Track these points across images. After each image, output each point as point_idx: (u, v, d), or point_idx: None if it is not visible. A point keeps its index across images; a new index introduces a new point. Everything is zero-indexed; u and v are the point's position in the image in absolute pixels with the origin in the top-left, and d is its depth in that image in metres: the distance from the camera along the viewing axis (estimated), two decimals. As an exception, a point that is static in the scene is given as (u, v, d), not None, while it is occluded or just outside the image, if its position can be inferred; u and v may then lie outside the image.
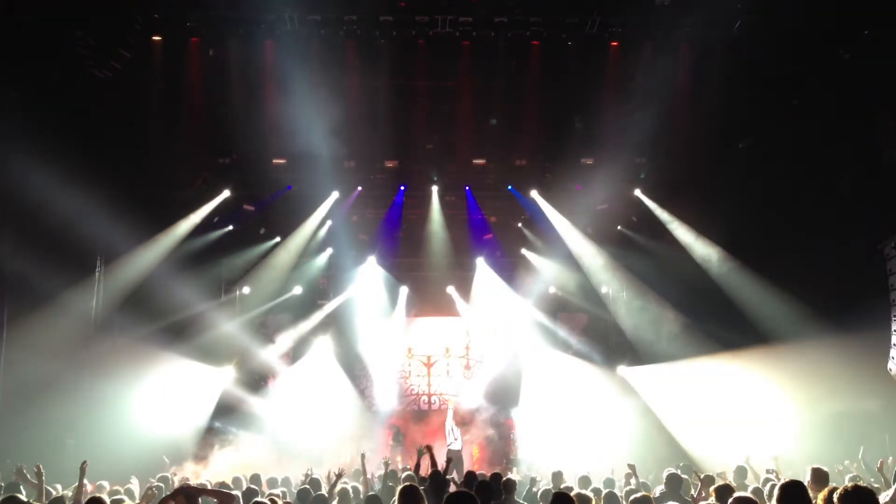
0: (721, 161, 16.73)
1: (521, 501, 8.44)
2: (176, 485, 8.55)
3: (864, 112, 14.52)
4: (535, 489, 9.48)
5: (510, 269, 20.94)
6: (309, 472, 9.84)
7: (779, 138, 15.74)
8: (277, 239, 19.46)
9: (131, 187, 15.07)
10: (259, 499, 6.24)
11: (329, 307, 20.65)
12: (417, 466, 9.43)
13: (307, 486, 8.41)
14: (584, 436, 18.36)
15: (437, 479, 8.34)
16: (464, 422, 18.51)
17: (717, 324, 16.97)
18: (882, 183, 14.42)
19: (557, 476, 10.29)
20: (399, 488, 5.02)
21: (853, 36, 14.17)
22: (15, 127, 12.67)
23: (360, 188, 19.19)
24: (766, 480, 7.87)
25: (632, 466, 9.55)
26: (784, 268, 15.76)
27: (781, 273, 15.78)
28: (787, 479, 5.02)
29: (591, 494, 7.12)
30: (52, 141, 13.09)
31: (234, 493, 7.06)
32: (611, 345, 20.56)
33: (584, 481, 9.33)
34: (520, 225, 20.59)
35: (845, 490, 4.11)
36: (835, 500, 4.11)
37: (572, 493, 6.35)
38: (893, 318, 14.67)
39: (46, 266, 13.53)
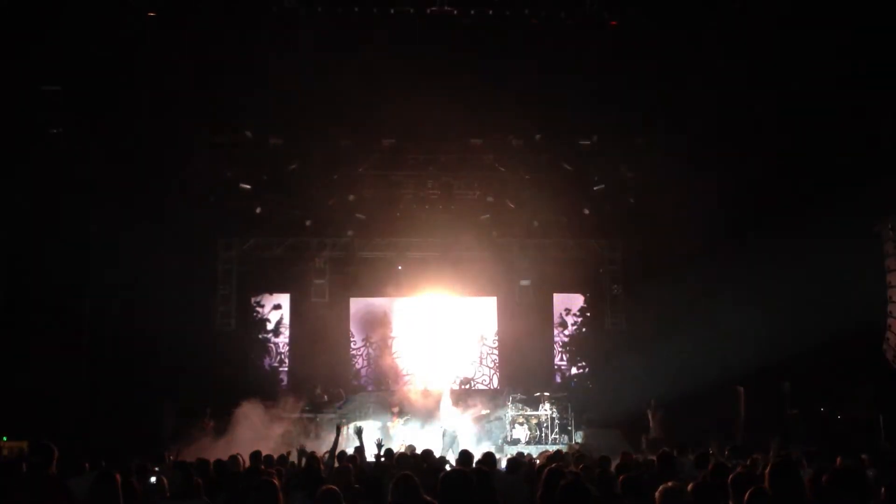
0: (719, 142, 16.71)
1: (521, 481, 8.47)
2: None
3: (861, 93, 14.49)
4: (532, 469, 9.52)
5: (507, 248, 20.92)
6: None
7: (776, 118, 15.71)
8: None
9: (127, 167, 15.08)
10: (265, 478, 6.25)
11: (324, 285, 20.67)
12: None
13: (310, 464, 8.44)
14: (580, 416, 18.56)
15: (431, 460, 8.40)
16: (460, 401, 18.57)
17: (714, 305, 17.04)
18: (879, 164, 14.44)
19: (555, 455, 10.35)
20: (392, 481, 4.97)
21: (852, 15, 14.08)
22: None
23: (357, 167, 19.11)
24: (755, 461, 7.92)
25: (626, 454, 9.61)
26: (781, 248, 15.83)
27: (778, 253, 15.85)
28: (778, 458, 5.04)
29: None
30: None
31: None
32: (606, 325, 20.70)
33: (580, 459, 9.39)
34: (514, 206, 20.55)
35: (834, 470, 4.12)
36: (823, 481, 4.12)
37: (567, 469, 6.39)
38: (890, 301, 14.75)
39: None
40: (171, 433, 16.53)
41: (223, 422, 16.59)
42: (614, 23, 15.86)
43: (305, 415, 17.87)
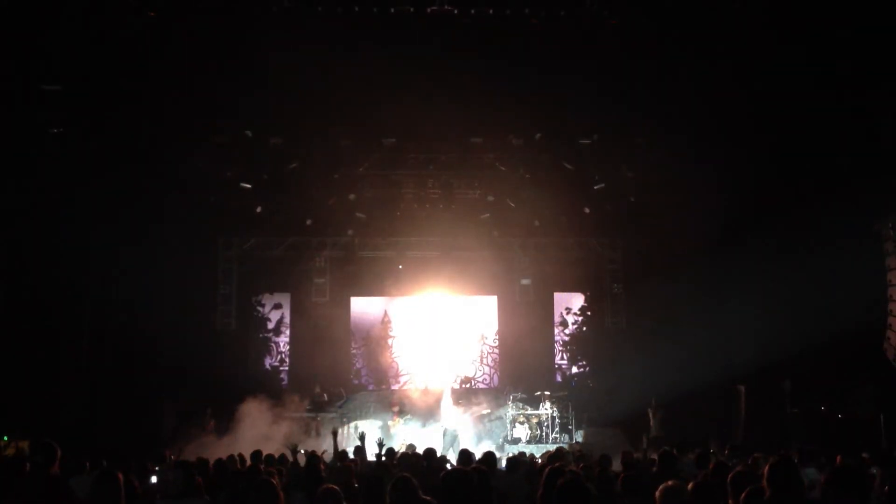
0: (719, 142, 16.71)
1: (521, 480, 8.48)
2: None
3: (862, 91, 14.48)
4: (534, 469, 9.53)
5: (508, 247, 20.94)
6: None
7: (777, 118, 15.71)
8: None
9: (127, 166, 15.09)
10: (264, 477, 6.26)
11: (324, 284, 20.70)
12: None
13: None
14: (581, 415, 18.58)
15: (433, 458, 8.39)
16: (460, 400, 18.60)
17: (714, 304, 17.04)
18: (880, 163, 14.44)
19: (556, 454, 10.36)
20: (391, 482, 4.97)
21: (853, 15, 14.07)
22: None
23: (358, 166, 19.12)
24: (757, 460, 7.93)
25: (626, 453, 9.62)
26: (781, 247, 15.84)
27: (778, 252, 15.87)
28: (777, 457, 5.05)
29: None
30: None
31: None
32: (607, 324, 20.73)
33: (580, 458, 9.40)
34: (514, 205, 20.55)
35: (834, 469, 4.14)
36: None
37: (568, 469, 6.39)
38: (890, 300, 14.75)
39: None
40: (172, 433, 16.57)
41: (224, 421, 16.62)
42: (614, 22, 15.87)
43: (306, 414, 17.89)
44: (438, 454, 10.67)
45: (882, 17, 13.24)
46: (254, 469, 7.98)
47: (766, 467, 4.53)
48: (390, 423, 17.81)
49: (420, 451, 10.78)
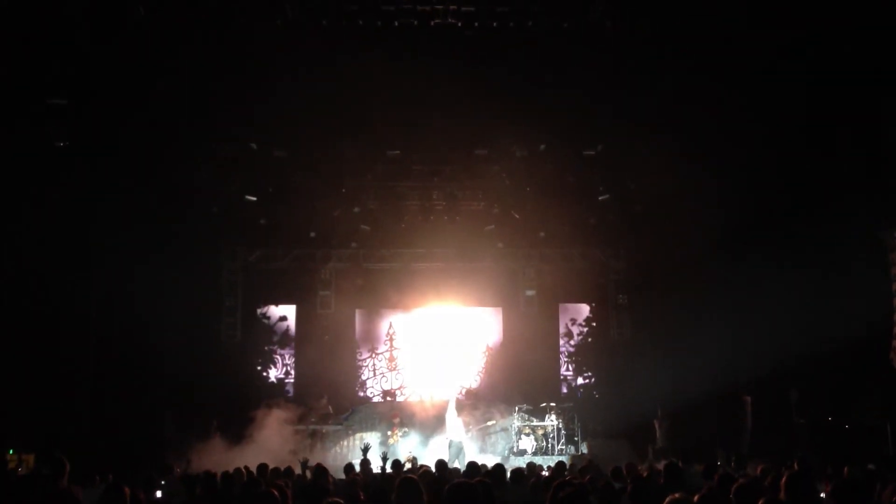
0: (722, 152, 16.73)
1: (526, 491, 8.47)
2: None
3: (865, 97, 14.47)
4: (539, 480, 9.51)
5: (512, 258, 20.95)
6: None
7: (780, 126, 15.72)
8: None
9: (132, 179, 15.17)
10: (264, 489, 6.27)
11: (329, 296, 20.72)
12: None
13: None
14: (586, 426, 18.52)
15: (444, 470, 8.40)
16: (465, 412, 18.54)
17: (720, 313, 17.00)
18: (884, 170, 14.43)
19: (560, 467, 10.35)
20: (398, 480, 5.02)
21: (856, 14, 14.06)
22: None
23: (362, 178, 19.16)
24: (765, 471, 7.90)
25: (630, 465, 9.60)
26: (786, 256, 15.83)
27: (783, 261, 15.85)
28: (793, 470, 5.04)
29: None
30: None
31: None
32: (612, 335, 20.69)
33: (584, 471, 9.38)
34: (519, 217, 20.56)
35: (842, 480, 4.14)
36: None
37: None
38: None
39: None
40: (177, 445, 16.53)
41: (230, 434, 16.61)
42: (617, 30, 15.93)
43: (311, 426, 17.87)
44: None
45: (883, 18, 13.22)
46: (254, 481, 8.00)
47: (784, 479, 4.51)
48: (388, 433, 17.77)
49: (424, 462, 10.78)
